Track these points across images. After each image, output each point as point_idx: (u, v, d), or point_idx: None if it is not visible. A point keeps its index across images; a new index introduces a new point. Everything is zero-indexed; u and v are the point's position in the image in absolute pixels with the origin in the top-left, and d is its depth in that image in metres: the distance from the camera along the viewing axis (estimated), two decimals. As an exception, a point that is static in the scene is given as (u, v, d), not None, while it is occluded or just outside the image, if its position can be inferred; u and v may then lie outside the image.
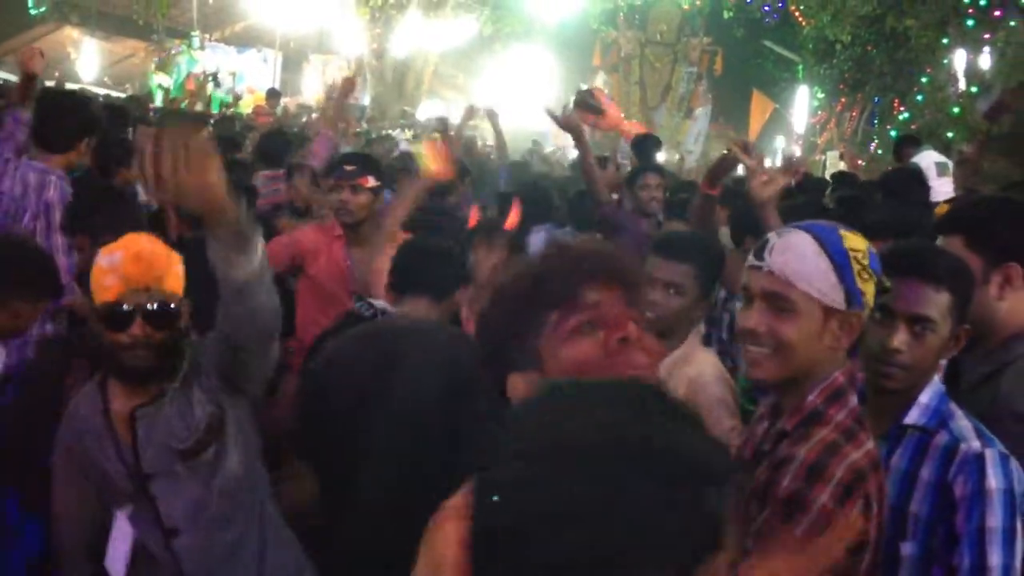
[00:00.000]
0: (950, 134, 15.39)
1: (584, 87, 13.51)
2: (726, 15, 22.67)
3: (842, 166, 16.51)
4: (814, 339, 1.91)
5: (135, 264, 2.48)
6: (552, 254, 1.66)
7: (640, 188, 5.89)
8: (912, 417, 2.19)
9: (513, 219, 4.87)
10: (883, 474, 1.92)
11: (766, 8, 22.41)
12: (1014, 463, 2.06)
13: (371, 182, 4.53)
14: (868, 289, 1.93)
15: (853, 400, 1.95)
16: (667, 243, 3.23)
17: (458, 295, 3.25)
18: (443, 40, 21.41)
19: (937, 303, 2.17)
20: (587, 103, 7.38)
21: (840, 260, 1.91)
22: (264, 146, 7.50)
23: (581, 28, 22.38)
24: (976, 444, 2.08)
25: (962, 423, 2.15)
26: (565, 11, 20.68)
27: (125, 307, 2.47)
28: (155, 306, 2.49)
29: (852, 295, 1.91)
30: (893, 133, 18.20)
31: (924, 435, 2.17)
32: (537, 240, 5.71)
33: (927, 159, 8.60)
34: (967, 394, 2.37)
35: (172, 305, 2.52)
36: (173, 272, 2.55)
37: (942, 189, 7.13)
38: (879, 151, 19.14)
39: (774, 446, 1.94)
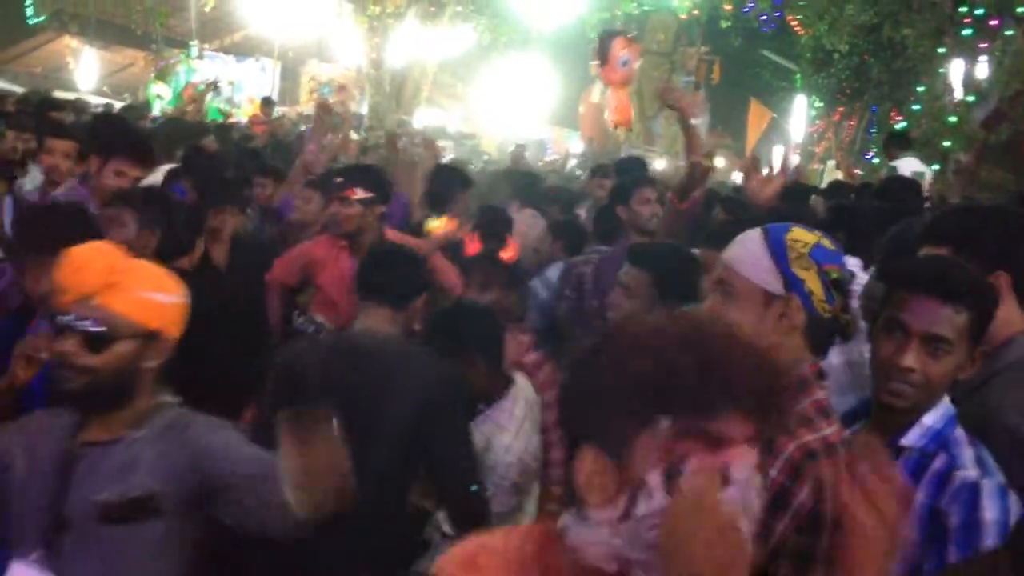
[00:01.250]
0: (947, 143, 15.42)
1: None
2: (723, 24, 22.70)
3: (839, 175, 16.53)
4: (755, 322, 1.99)
5: (67, 270, 2.20)
6: (695, 339, 1.28)
7: (640, 203, 5.13)
8: (911, 438, 2.15)
9: (473, 248, 4.78)
10: (842, 463, 1.86)
11: (763, 17, 22.44)
12: (1012, 496, 2.01)
13: (359, 193, 4.62)
14: (808, 277, 2.00)
15: (819, 393, 1.98)
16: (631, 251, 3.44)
17: (417, 302, 3.32)
18: (441, 49, 21.43)
19: (954, 323, 2.11)
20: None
21: (777, 248, 2.02)
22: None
23: (578, 37, 22.39)
24: (973, 473, 2.04)
25: (964, 450, 2.10)
26: (562, 20, 20.68)
27: (57, 318, 2.21)
28: (86, 323, 2.18)
29: (789, 280, 2.00)
30: (890, 142, 18.25)
31: (921, 457, 2.13)
32: (554, 273, 5.23)
33: (906, 166, 8.59)
34: (956, 403, 2.34)
35: (107, 328, 2.19)
36: (122, 289, 2.22)
37: None
38: (876, 160, 19.16)
39: None
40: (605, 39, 13.10)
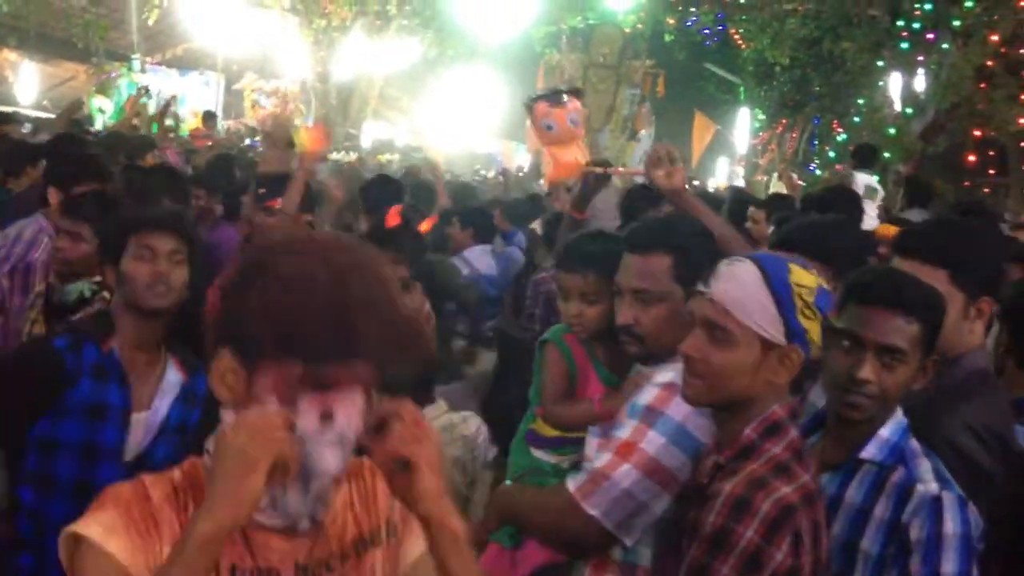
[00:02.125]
0: (887, 154, 15.70)
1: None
2: (668, 38, 22.93)
3: (782, 188, 16.75)
4: (749, 371, 1.91)
5: None
6: (336, 290, 1.42)
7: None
8: (869, 452, 2.13)
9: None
10: (821, 508, 1.91)
11: (706, 31, 22.72)
12: (972, 508, 2.02)
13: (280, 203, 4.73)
14: (812, 327, 1.91)
15: (792, 434, 1.93)
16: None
17: None
18: (387, 62, 21.37)
19: (907, 334, 2.10)
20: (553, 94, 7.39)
21: (782, 294, 1.90)
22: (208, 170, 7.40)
23: (525, 50, 22.47)
24: (934, 486, 2.04)
25: (921, 462, 2.10)
26: (509, 34, 20.74)
27: None
28: None
29: (792, 330, 1.90)
30: (832, 154, 18.55)
31: (880, 470, 2.12)
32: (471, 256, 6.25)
33: (860, 180, 8.78)
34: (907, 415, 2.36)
35: None
36: None
37: (868, 212, 7.23)
38: (819, 172, 19.45)
39: (710, 480, 1.92)
40: (528, 104, 13.12)
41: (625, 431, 2.16)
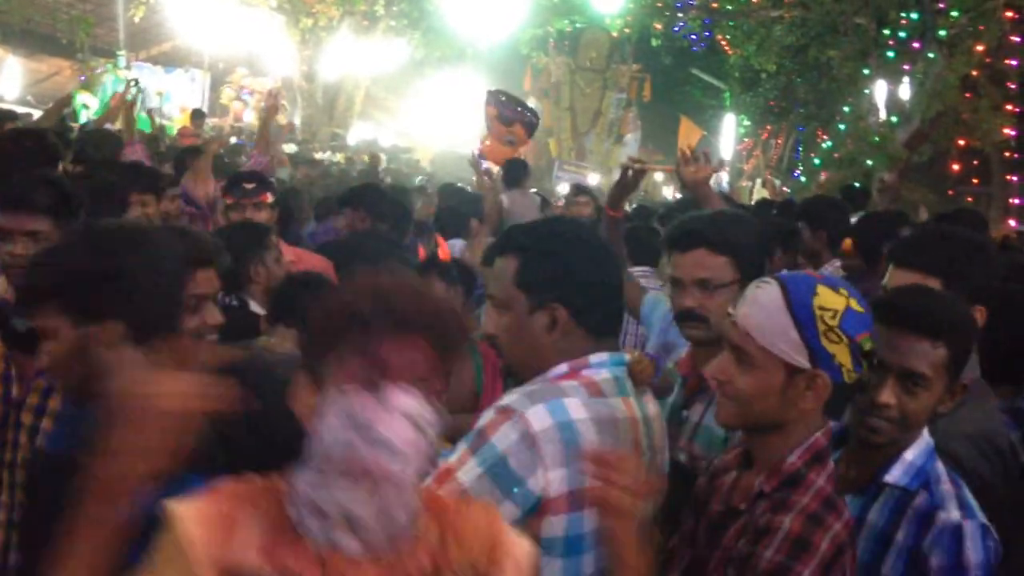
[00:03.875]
0: (871, 162, 15.77)
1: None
2: (654, 42, 22.99)
3: (766, 194, 16.83)
4: (774, 395, 1.87)
5: None
6: (364, 290, 1.54)
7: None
8: (894, 476, 2.09)
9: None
10: (856, 541, 1.90)
11: (693, 37, 22.78)
12: (993, 536, 1.99)
13: (271, 198, 4.78)
14: (838, 351, 1.84)
15: (831, 463, 1.92)
16: None
17: None
18: (374, 63, 21.35)
19: (933, 359, 2.04)
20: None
21: (803, 318, 1.84)
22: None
23: (512, 53, 22.50)
24: (956, 514, 2.00)
25: (944, 487, 2.05)
26: (496, 36, 20.76)
27: None
28: None
29: (817, 355, 1.84)
30: (817, 161, 18.63)
31: (904, 494, 2.08)
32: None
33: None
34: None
35: None
36: None
37: None
38: (803, 179, 19.53)
39: (751, 505, 1.89)
40: (492, 102, 13.18)
41: (454, 454, 1.92)
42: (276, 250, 4.13)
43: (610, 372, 1.99)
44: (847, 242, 5.23)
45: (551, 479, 1.82)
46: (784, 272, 2.03)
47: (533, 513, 1.82)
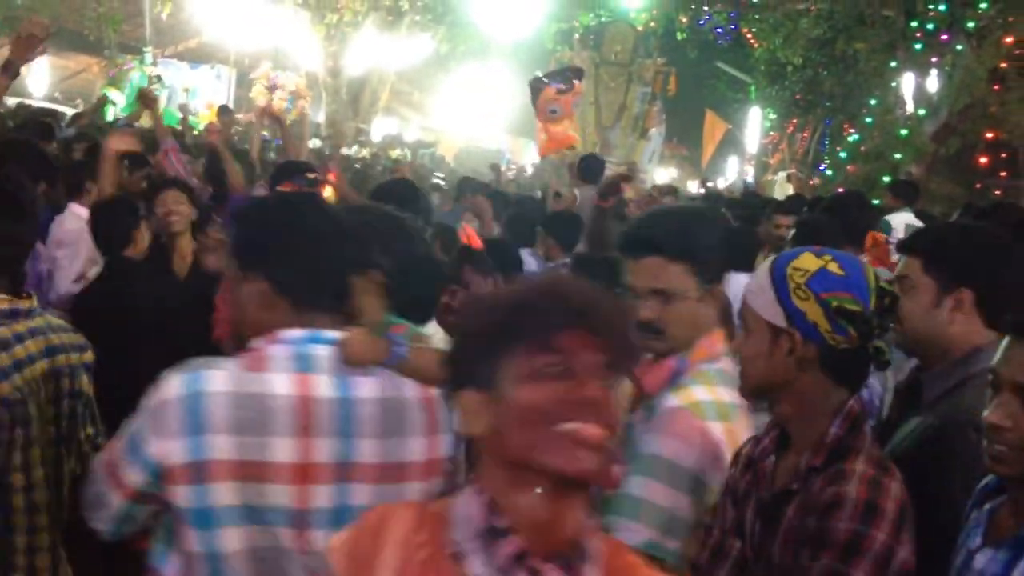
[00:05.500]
0: (898, 155, 15.67)
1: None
2: (680, 36, 22.92)
3: (790, 189, 16.70)
4: (763, 357, 1.94)
5: None
6: (536, 286, 1.47)
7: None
8: None
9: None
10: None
11: (719, 30, 22.70)
12: None
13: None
14: (808, 308, 1.88)
15: (867, 429, 1.93)
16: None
17: None
18: (399, 58, 21.39)
19: None
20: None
21: (778, 278, 1.93)
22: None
23: (537, 47, 22.47)
24: None
25: None
26: (521, 30, 20.75)
27: None
28: None
29: (790, 313, 1.91)
30: (843, 155, 18.50)
31: None
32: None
33: (899, 219, 8.17)
34: (928, 408, 2.29)
35: None
36: None
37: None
38: (829, 172, 19.40)
39: (804, 483, 1.88)
40: (535, 84, 12.99)
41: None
42: None
43: (298, 348, 1.93)
44: (873, 236, 5.18)
45: (169, 448, 1.82)
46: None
47: (158, 480, 1.84)
